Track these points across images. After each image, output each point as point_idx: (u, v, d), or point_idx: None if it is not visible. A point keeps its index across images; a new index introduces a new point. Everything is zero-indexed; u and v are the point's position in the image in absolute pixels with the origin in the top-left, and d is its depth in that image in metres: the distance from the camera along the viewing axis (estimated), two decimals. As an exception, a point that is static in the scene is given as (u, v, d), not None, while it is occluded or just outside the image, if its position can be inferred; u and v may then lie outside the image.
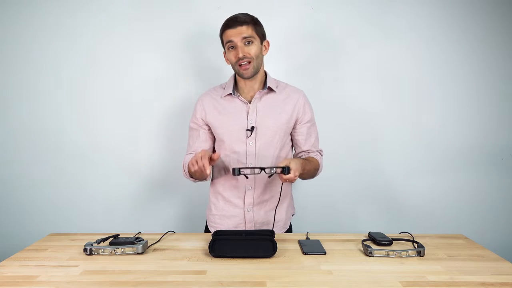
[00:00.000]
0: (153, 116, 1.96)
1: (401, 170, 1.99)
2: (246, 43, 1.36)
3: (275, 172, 1.26)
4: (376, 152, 1.98)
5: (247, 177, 1.41)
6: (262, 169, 1.26)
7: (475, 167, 1.99)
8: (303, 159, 1.42)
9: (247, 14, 1.38)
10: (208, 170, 1.24)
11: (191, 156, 1.49)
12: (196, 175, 1.36)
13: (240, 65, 1.36)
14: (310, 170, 1.41)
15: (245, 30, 1.35)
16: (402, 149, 1.98)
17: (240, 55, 1.34)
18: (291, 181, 1.27)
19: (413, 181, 2.00)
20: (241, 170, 1.26)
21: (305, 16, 1.91)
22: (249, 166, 1.36)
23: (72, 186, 1.98)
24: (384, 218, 2.01)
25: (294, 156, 1.53)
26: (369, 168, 1.99)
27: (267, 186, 1.45)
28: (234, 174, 1.25)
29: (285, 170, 1.24)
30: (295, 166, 1.25)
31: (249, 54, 1.36)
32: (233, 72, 1.49)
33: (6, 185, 1.98)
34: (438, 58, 1.93)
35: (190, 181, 1.54)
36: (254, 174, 1.32)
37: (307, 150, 1.48)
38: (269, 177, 1.41)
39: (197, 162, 1.25)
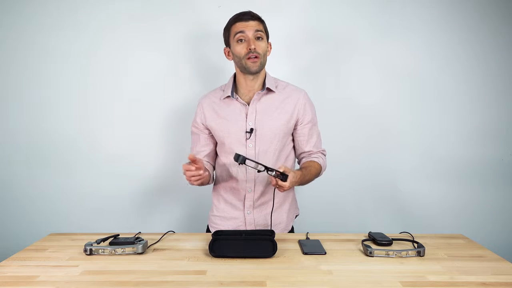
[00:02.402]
0: (154, 116, 1.96)
1: (402, 170, 1.99)
2: (257, 38, 1.35)
3: (274, 175, 1.24)
4: (378, 152, 1.98)
5: (240, 164, 1.34)
6: (266, 168, 1.23)
7: (476, 167, 1.99)
8: (303, 169, 1.42)
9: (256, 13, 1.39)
10: (203, 172, 1.26)
11: None
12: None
13: (249, 58, 1.34)
14: (309, 179, 1.41)
15: (257, 25, 1.35)
16: (403, 149, 1.98)
17: (252, 46, 1.33)
18: (280, 189, 1.26)
19: (414, 181, 2.00)
20: (246, 160, 1.22)
21: (307, 16, 1.91)
22: (254, 160, 1.29)
23: (72, 186, 1.98)
24: (384, 218, 2.01)
25: (297, 157, 1.53)
26: (370, 168, 1.99)
27: (266, 189, 1.44)
28: (237, 161, 1.21)
29: (284, 177, 1.23)
30: (292, 177, 1.25)
31: (259, 48, 1.35)
32: (232, 72, 1.48)
33: (6, 185, 1.98)
34: (441, 59, 1.93)
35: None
36: (256, 169, 1.27)
37: (309, 151, 1.48)
38: (258, 171, 1.31)
39: (191, 175, 1.26)
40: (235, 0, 1.86)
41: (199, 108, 1.50)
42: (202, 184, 1.41)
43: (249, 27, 1.34)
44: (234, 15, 1.38)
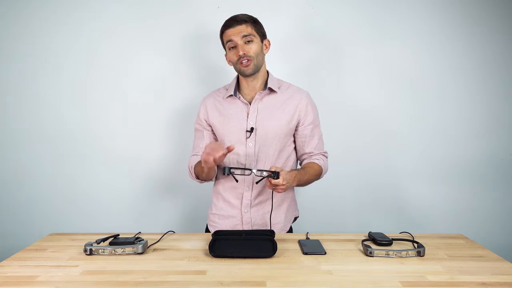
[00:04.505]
0: (154, 116, 1.96)
1: (402, 170, 1.99)
2: (246, 42, 1.36)
3: (264, 175, 1.25)
4: (377, 153, 1.98)
5: (237, 180, 1.41)
6: (257, 170, 1.26)
7: (476, 167, 1.99)
8: (300, 169, 1.42)
9: (245, 14, 1.39)
10: (217, 160, 1.21)
11: (196, 157, 1.50)
12: (202, 176, 1.41)
13: (241, 63, 1.36)
14: (308, 180, 1.41)
15: (245, 29, 1.36)
16: (403, 150, 1.98)
17: (241, 53, 1.35)
18: (277, 189, 1.27)
19: (414, 181, 1.99)
20: (231, 169, 1.26)
21: (306, 16, 1.91)
22: (240, 167, 1.33)
23: (72, 186, 1.98)
24: (384, 218, 2.01)
25: (298, 158, 1.53)
26: (370, 169, 1.99)
27: (264, 189, 1.44)
28: (223, 173, 1.26)
29: (275, 175, 1.24)
30: (285, 175, 1.26)
31: (249, 52, 1.36)
32: (234, 72, 1.49)
33: (6, 185, 1.98)
34: (441, 59, 1.93)
35: (192, 182, 1.56)
36: (244, 175, 1.31)
37: (310, 153, 1.48)
38: (257, 183, 1.38)
39: (209, 154, 1.21)
40: (234, 1, 1.87)
41: (203, 106, 1.52)
42: (208, 176, 1.42)
43: (236, 33, 1.35)
44: (224, 22, 1.39)
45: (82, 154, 1.97)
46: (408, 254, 1.16)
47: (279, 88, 1.46)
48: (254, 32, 1.37)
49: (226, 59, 1.46)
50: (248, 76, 1.40)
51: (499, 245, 1.90)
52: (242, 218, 1.46)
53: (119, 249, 1.17)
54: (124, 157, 1.97)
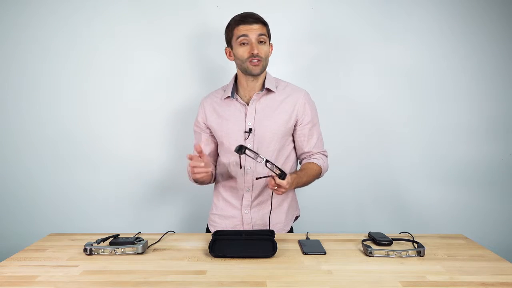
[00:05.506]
0: (154, 116, 1.96)
1: (402, 170, 1.99)
2: (260, 42, 1.35)
3: (273, 170, 1.24)
4: (378, 152, 1.98)
5: (240, 167, 1.41)
6: (267, 161, 1.23)
7: (476, 167, 1.99)
8: (299, 171, 1.42)
9: (258, 14, 1.38)
10: (210, 168, 1.30)
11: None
12: (199, 181, 1.42)
13: (251, 61, 1.35)
14: (306, 182, 1.41)
15: (261, 29, 1.35)
16: (403, 149, 1.98)
17: (255, 51, 1.33)
18: (278, 191, 1.26)
19: (414, 181, 1.99)
20: (246, 150, 1.22)
21: (306, 16, 1.91)
22: (255, 151, 1.27)
23: (73, 186, 1.98)
24: (384, 218, 2.01)
25: (298, 158, 1.53)
26: (370, 168, 1.99)
27: (264, 189, 1.44)
28: (237, 151, 1.22)
29: (282, 175, 1.23)
30: (291, 180, 1.26)
31: (261, 53, 1.35)
32: (233, 72, 1.48)
33: (6, 185, 1.98)
34: (441, 59, 1.93)
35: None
36: (255, 160, 1.24)
37: (309, 152, 1.48)
38: (257, 178, 1.36)
39: (195, 169, 1.28)
40: (234, 0, 1.87)
41: (201, 108, 1.52)
42: (203, 182, 1.43)
43: (253, 31, 1.33)
44: (238, 16, 1.37)
45: (82, 154, 1.97)
46: (408, 254, 1.16)
47: (276, 87, 1.45)
48: (267, 34, 1.37)
49: (226, 53, 1.44)
50: (254, 76, 1.39)
51: (499, 245, 1.90)
52: (242, 218, 1.46)
53: (119, 249, 1.17)
54: (124, 157, 1.97)
